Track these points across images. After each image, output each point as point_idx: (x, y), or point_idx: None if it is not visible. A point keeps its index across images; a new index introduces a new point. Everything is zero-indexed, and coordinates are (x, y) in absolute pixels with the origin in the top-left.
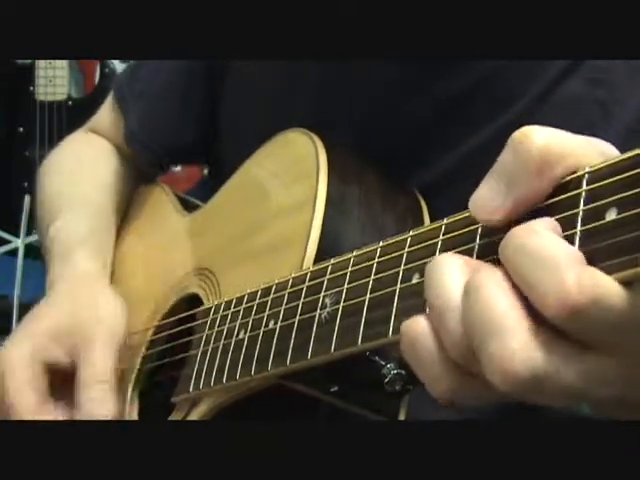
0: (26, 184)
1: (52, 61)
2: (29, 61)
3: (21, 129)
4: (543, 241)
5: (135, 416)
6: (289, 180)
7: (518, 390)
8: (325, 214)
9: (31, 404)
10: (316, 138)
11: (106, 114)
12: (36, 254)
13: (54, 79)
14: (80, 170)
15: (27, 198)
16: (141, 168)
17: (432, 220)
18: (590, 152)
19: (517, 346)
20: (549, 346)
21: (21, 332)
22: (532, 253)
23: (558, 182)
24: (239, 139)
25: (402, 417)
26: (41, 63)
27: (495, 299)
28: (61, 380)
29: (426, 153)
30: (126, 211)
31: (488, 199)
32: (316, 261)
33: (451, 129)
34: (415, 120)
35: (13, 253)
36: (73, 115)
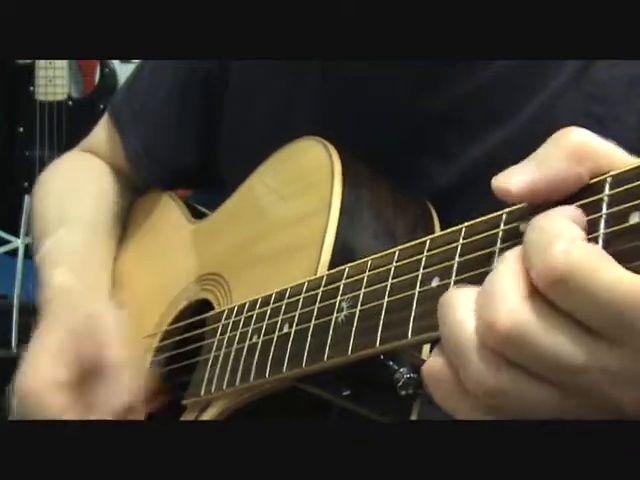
0: (26, 184)
1: (52, 61)
2: (29, 61)
3: (21, 129)
4: (551, 220)
5: None
6: (303, 186)
7: (503, 348)
8: (340, 220)
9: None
10: (330, 146)
11: (101, 135)
12: None
13: (54, 79)
14: (72, 188)
15: (27, 198)
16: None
17: (442, 229)
18: (621, 159)
19: (506, 302)
20: (539, 309)
21: (34, 356)
22: (539, 228)
23: (585, 180)
24: (242, 148)
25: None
26: (41, 63)
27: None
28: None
29: (426, 166)
30: (133, 218)
31: (513, 173)
32: (330, 267)
33: (449, 141)
34: (416, 128)
35: (13, 253)
36: (73, 115)
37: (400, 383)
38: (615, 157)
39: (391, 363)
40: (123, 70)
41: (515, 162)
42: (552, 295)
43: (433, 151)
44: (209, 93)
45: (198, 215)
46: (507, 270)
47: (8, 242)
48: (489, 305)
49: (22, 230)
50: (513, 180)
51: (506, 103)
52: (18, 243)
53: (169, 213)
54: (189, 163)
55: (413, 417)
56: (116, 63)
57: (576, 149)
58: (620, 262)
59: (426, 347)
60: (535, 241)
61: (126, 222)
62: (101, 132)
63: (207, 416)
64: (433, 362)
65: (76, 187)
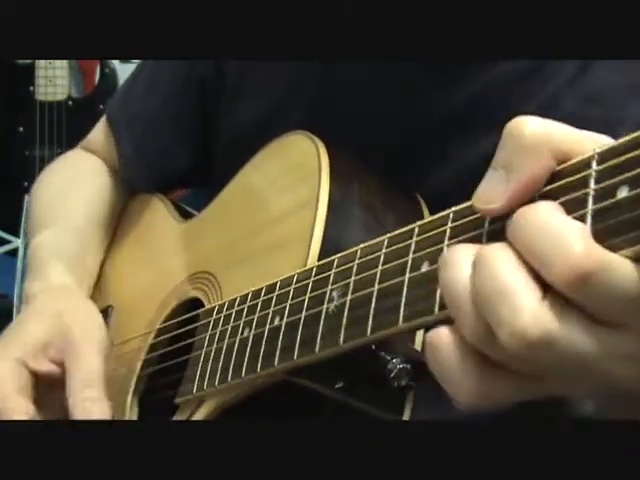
0: (26, 184)
1: (52, 61)
2: (29, 61)
3: (21, 129)
4: (550, 216)
5: None
6: (291, 181)
7: (530, 353)
8: (328, 213)
9: (22, 411)
10: (317, 140)
11: (100, 135)
12: None
13: (54, 79)
14: (68, 187)
15: (27, 198)
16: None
17: None
18: (584, 141)
19: (528, 305)
20: (561, 311)
21: (4, 347)
22: (540, 227)
23: (554, 167)
24: (238, 149)
25: (407, 413)
26: (41, 63)
27: (503, 267)
28: (49, 388)
29: (422, 168)
30: (122, 221)
31: (489, 189)
32: (320, 260)
33: (450, 143)
34: (414, 128)
35: (13, 253)
36: (73, 115)
37: (393, 374)
38: (575, 137)
39: (383, 354)
40: (123, 70)
41: None
42: (573, 294)
43: (433, 153)
44: (205, 96)
45: (186, 215)
46: (512, 268)
47: (8, 242)
48: (506, 307)
49: (22, 230)
50: (493, 200)
51: (504, 108)
52: (18, 243)
53: (158, 214)
54: (181, 167)
55: (407, 410)
56: (116, 63)
57: (538, 143)
58: (609, 237)
59: (419, 338)
60: (548, 242)
61: (117, 223)
62: (99, 132)
63: (200, 414)
64: (435, 332)
65: (70, 187)
